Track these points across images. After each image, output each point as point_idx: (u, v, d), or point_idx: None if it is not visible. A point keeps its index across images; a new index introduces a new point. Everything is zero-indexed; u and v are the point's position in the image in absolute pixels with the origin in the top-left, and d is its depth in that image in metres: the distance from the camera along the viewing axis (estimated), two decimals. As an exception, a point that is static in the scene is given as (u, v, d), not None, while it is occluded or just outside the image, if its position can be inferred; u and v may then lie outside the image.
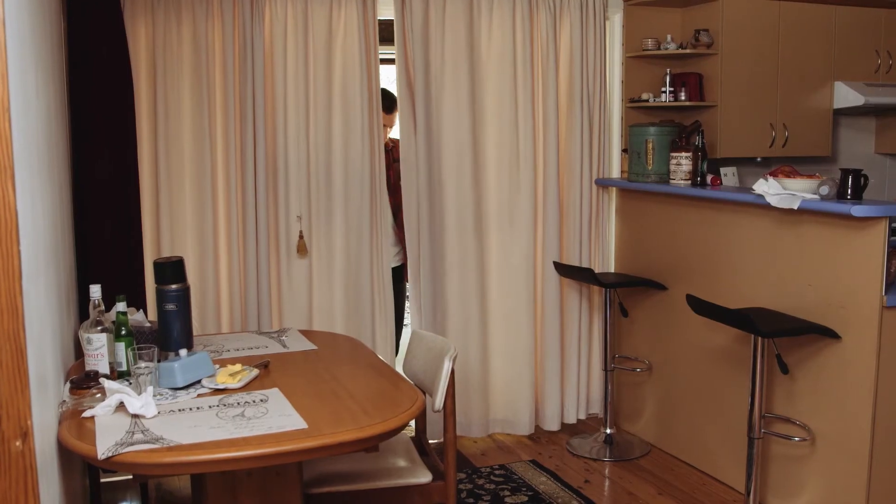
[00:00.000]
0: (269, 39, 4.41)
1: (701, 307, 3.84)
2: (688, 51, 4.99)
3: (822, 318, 3.71)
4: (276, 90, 4.43)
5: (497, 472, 4.52)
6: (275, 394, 2.82)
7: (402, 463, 3.24)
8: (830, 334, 3.66)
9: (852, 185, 3.68)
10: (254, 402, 2.73)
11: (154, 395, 2.70)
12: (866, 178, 3.72)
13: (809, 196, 3.69)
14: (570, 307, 5.05)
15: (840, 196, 3.71)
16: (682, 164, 4.54)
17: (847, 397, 3.65)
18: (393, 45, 4.72)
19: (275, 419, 2.56)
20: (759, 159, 5.33)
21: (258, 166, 4.42)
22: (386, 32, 5.04)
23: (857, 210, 3.45)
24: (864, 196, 3.78)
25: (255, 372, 3.01)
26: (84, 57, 4.01)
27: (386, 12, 4.69)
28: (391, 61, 4.79)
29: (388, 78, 4.97)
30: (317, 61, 4.47)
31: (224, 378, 2.91)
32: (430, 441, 3.61)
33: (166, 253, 4.31)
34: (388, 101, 4.80)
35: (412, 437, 3.51)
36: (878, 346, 3.51)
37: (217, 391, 2.84)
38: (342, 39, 4.50)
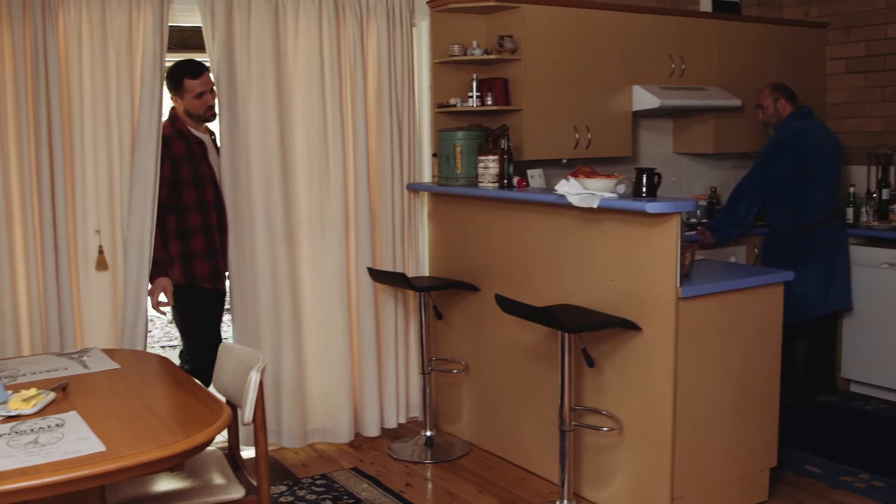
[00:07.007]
0: (64, 45, 4.20)
1: (508, 306, 3.92)
2: (493, 56, 5.10)
3: (624, 311, 3.86)
4: (72, 98, 4.23)
5: (318, 482, 4.47)
6: (72, 417, 2.69)
7: (215, 480, 3.16)
8: (632, 327, 3.81)
9: (647, 183, 3.85)
10: (49, 427, 2.60)
11: (-63, 427, 2.53)
12: (659, 176, 3.90)
13: (608, 195, 3.82)
14: (385, 312, 5.07)
15: (636, 194, 3.87)
16: (489, 167, 4.63)
17: (650, 386, 3.81)
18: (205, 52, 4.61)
19: (70, 444, 2.44)
20: (564, 161, 5.49)
21: (56, 179, 4.20)
22: (194, 40, 4.93)
23: (651, 207, 3.60)
24: (662, 193, 3.96)
25: (52, 395, 2.87)
26: None
27: (194, 19, 4.57)
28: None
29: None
30: (119, 68, 4.30)
31: (17, 404, 2.75)
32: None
33: (-45, 273, 4.05)
34: (192, 66, 4.44)
35: (226, 453, 3.43)
36: (676, 336, 3.68)
37: (9, 418, 2.68)
38: (142, 46, 4.34)
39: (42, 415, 2.73)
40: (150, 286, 4.41)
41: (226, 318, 5.27)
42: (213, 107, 4.51)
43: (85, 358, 3.48)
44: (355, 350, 5.02)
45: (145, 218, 4.33)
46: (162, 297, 4.42)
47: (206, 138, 4.58)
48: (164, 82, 4.42)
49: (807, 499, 4.21)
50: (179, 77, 4.41)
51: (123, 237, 4.36)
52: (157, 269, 4.40)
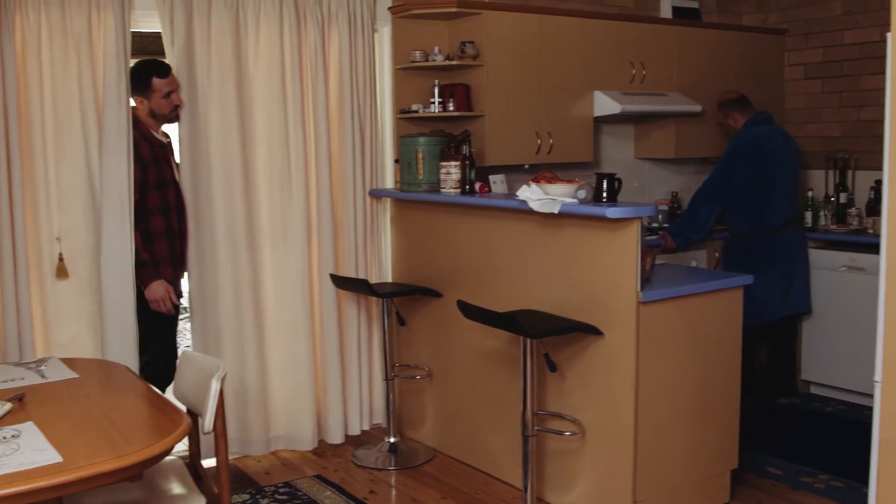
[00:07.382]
0: (21, 49, 4.14)
1: (470, 312, 3.92)
2: (455, 62, 5.10)
3: (586, 315, 3.88)
4: (30, 103, 4.17)
5: (281, 490, 4.45)
6: (28, 428, 2.64)
7: (174, 489, 3.13)
8: (593, 331, 3.82)
9: (607, 188, 3.86)
10: (4, 438, 2.55)
11: None
12: (620, 181, 3.91)
13: (569, 200, 3.84)
14: (348, 319, 5.05)
15: (597, 199, 3.88)
16: (451, 172, 4.64)
17: (612, 390, 3.83)
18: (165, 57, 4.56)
19: (27, 455, 2.40)
20: (526, 166, 5.50)
21: (14, 185, 4.13)
22: (155, 45, 4.88)
23: (612, 212, 3.62)
24: (623, 198, 3.98)
25: (8, 406, 2.82)
26: None
27: (153, 24, 4.53)
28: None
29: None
30: (81, 72, 4.24)
31: (-28, 415, 2.71)
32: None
33: None
34: (159, 66, 4.38)
35: (186, 462, 3.40)
36: (637, 340, 3.70)
37: (-37, 430, 2.65)
38: (104, 49, 4.29)
39: (-3, 426, 2.69)
40: (146, 290, 4.36)
41: (185, 325, 5.23)
42: (178, 106, 4.46)
43: (42, 367, 3.43)
44: (318, 357, 5.00)
45: (124, 223, 4.28)
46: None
47: (166, 141, 4.54)
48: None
49: (768, 500, 4.25)
50: (147, 76, 4.35)
51: (96, 244, 4.31)
52: (151, 272, 4.34)
